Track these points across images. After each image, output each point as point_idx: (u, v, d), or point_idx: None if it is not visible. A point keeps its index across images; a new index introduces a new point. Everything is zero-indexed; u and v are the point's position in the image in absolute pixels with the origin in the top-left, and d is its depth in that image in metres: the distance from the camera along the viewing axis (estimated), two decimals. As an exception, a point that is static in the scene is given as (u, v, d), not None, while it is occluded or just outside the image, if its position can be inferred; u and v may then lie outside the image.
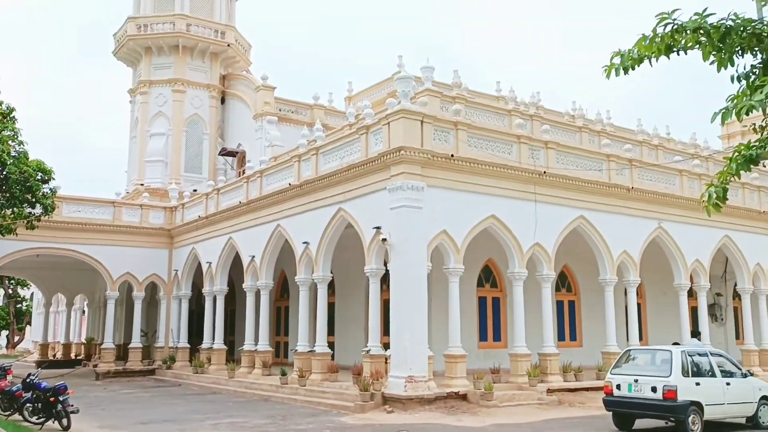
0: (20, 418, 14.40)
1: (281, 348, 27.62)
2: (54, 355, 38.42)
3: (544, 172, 19.22)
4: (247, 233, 23.82)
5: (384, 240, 17.01)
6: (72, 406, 13.88)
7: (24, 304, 56.81)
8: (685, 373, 12.13)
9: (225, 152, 34.43)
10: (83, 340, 38.86)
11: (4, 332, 58.77)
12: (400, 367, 16.32)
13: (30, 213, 21.45)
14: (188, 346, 27.94)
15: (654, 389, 12.10)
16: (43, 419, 13.90)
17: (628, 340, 21.66)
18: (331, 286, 21.72)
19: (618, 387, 12.70)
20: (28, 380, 14.73)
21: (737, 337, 29.25)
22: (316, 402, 17.50)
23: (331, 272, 20.24)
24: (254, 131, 33.17)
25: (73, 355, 37.89)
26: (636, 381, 12.41)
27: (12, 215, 21.10)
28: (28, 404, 14.36)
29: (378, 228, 17.38)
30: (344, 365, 20.37)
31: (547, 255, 19.35)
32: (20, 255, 26.16)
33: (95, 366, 28.85)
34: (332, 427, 13.84)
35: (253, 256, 23.16)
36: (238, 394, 20.80)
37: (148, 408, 17.62)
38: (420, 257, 16.81)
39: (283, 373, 19.94)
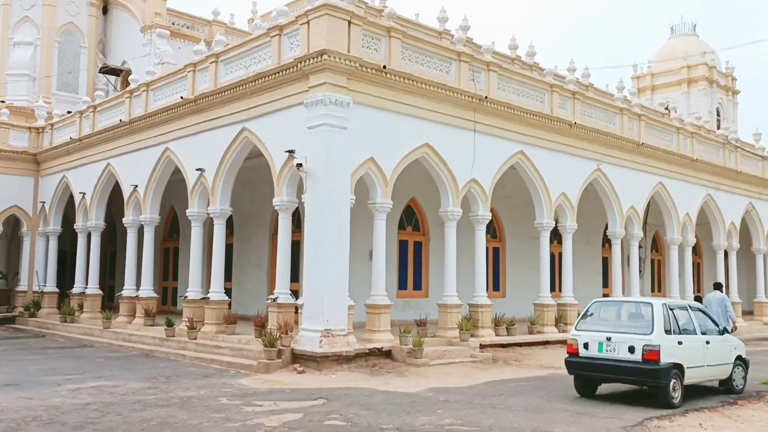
0: None
1: (169, 295, 24.23)
2: None
3: (486, 98, 16.69)
4: (129, 159, 20.05)
5: (299, 166, 13.99)
6: None
7: None
8: (667, 331, 10.06)
9: (107, 69, 29.79)
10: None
11: None
12: (313, 318, 13.57)
13: None
14: (57, 290, 23.95)
15: (631, 349, 9.98)
16: None
17: (560, 291, 19.92)
18: (229, 225, 18.54)
19: (585, 346, 10.51)
20: None
21: (653, 290, 28.52)
22: (209, 359, 14.50)
23: (231, 207, 17.03)
24: (142, 46, 28.77)
25: None
26: (608, 339, 10.25)
27: None
28: None
29: (291, 152, 14.33)
30: (244, 316, 17.40)
31: (484, 193, 16.98)
32: None
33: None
34: (229, 393, 10.96)
35: (136, 186, 19.50)
36: (113, 347, 17.44)
37: (-7, 366, 14.05)
38: (342, 188, 13.95)
39: (170, 324, 16.74)
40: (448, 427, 8.52)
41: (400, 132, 15.11)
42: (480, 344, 15.69)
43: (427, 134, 15.65)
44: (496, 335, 16.73)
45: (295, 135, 14.31)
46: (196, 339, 15.83)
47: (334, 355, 13.25)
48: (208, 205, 16.97)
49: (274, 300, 14.60)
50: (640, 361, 9.88)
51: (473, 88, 16.51)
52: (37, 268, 24.53)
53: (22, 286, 24.98)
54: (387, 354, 14.19)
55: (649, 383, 10.09)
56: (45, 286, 23.92)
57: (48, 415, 9.02)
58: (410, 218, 20.63)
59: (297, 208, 15.14)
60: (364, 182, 14.78)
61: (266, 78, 14.93)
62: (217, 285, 16.60)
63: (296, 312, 14.35)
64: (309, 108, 13.89)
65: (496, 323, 17.01)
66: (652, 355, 9.79)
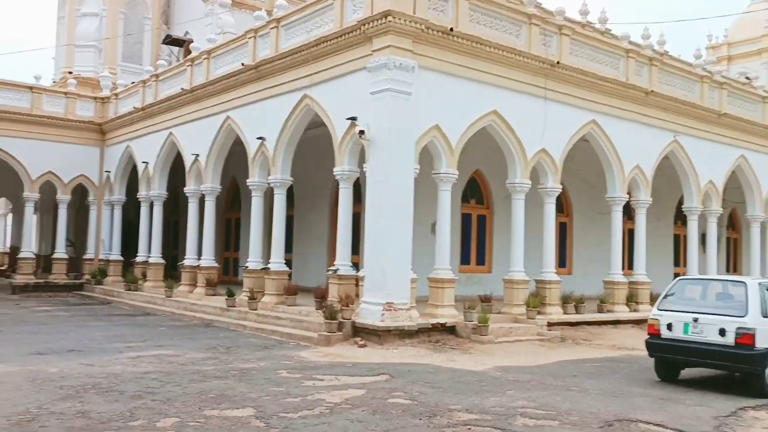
0: None
1: (230, 265, 24.26)
2: (-28, 265, 34.30)
3: (557, 63, 15.74)
4: (191, 128, 19.90)
5: (361, 133, 13.45)
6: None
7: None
8: (763, 313, 9.15)
9: (169, 40, 29.79)
10: (7, 249, 34.73)
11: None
12: (375, 291, 13.10)
13: None
14: (121, 259, 24.27)
15: (722, 332, 9.12)
16: None
17: (631, 268, 18.89)
18: (289, 198, 18.20)
19: (668, 327, 9.69)
20: None
21: (728, 270, 27.00)
22: (269, 330, 14.24)
23: (291, 177, 16.66)
24: (204, 16, 28.60)
25: (-6, 266, 33.87)
26: (695, 320, 9.41)
27: None
28: None
29: (353, 119, 13.78)
30: (304, 287, 17.09)
31: (554, 164, 16.12)
32: None
33: (10, 277, 25.04)
34: (289, 365, 10.61)
35: (197, 155, 19.34)
36: (175, 316, 17.43)
37: (59, 332, 14.13)
38: (406, 157, 13.35)
39: (230, 294, 16.58)
40: (521, 409, 7.91)
41: (466, 98, 14.37)
42: (547, 322, 14.95)
43: (494, 101, 14.86)
44: (564, 313, 15.95)
45: (358, 101, 13.75)
46: (256, 309, 15.61)
47: (396, 330, 12.77)
48: (269, 175, 16.64)
49: (335, 272, 14.19)
50: (732, 345, 9.03)
51: (544, 52, 15.58)
52: (103, 237, 24.90)
53: (89, 254, 25.42)
54: (450, 330, 13.63)
55: (741, 369, 9.23)
56: (110, 254, 24.25)
57: (107, 383, 8.83)
58: (474, 191, 19.89)
59: (357, 179, 14.64)
60: (428, 151, 14.15)
61: (328, 42, 14.38)
62: (277, 256, 16.31)
63: (357, 284, 13.92)
64: (372, 73, 13.29)
65: (564, 301, 16.22)
66: (746, 339, 8.92)
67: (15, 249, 32.12)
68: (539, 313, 15.12)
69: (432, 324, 13.34)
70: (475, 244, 19.80)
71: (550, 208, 16.36)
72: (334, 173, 14.61)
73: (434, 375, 10.06)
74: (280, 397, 8.22)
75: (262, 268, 16.61)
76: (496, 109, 14.87)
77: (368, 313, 13.05)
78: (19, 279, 23.81)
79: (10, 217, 34.73)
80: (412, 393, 8.66)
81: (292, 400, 8.07)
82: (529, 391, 9.01)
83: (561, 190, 16.61)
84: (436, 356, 11.90)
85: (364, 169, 13.75)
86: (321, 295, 14.56)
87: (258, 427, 6.85)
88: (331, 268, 14.44)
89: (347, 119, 13.91)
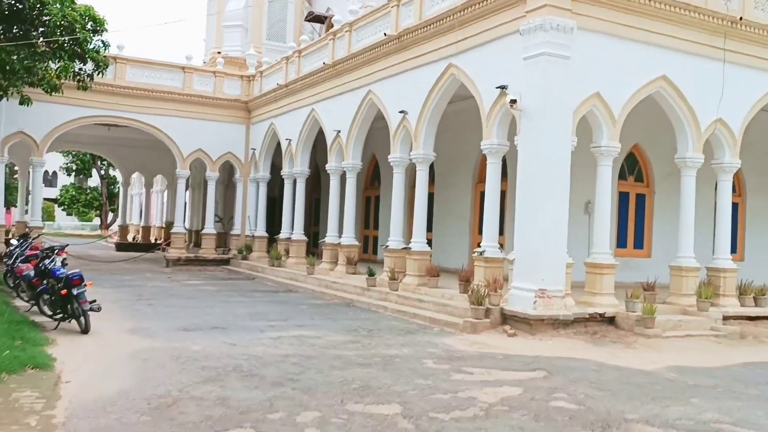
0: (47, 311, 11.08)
1: (369, 243, 23.93)
2: (134, 238, 36.59)
3: (740, 19, 13.68)
4: (332, 103, 19.56)
5: (512, 103, 12.30)
6: (93, 302, 10.45)
7: (117, 185, 55.88)
8: None
9: (312, 17, 29.79)
10: (164, 224, 36.70)
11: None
12: (526, 276, 12.00)
13: (80, 69, 17.83)
14: (266, 235, 24.62)
15: None
16: (60, 316, 10.58)
17: None
18: (429, 174, 17.35)
19: None
20: (41, 265, 11.40)
21: None
22: (411, 313, 13.55)
23: (434, 153, 15.81)
24: (345, -8, 28.25)
25: (153, 239, 35.91)
26: None
27: (58, 70, 17.57)
28: (45, 295, 11.07)
29: (503, 87, 12.66)
30: (445, 268, 16.25)
31: (732, 136, 14.15)
32: (80, 123, 23.07)
33: (162, 250, 26.20)
34: (435, 354, 9.83)
35: (339, 131, 18.96)
36: (316, 294, 17.21)
37: (205, 307, 14.24)
38: (563, 128, 12.07)
39: (371, 274, 16.08)
40: (714, 425, 6.62)
41: (630, 62, 12.79)
42: (722, 315, 13.15)
43: (663, 65, 13.15)
44: (741, 306, 14.02)
45: (508, 68, 12.60)
46: (397, 290, 14.99)
47: (550, 319, 11.62)
48: (411, 150, 15.89)
49: (481, 253, 13.22)
50: None
51: (723, 8, 13.57)
52: (248, 213, 25.39)
53: (236, 230, 26.07)
54: (609, 321, 12.27)
55: None
56: (255, 230, 24.67)
57: (248, 366, 8.46)
58: (632, 167, 18.09)
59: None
60: (585, 123, 12.76)
61: (476, 5, 13.30)
62: (419, 235, 15.59)
63: (502, 265, 12.89)
64: (525, 36, 12.08)
65: (741, 291, 14.26)
66: None
67: (170, 224, 33.86)
68: (712, 304, 13.34)
69: (589, 314, 12.06)
70: (632, 225, 18.04)
71: (726, 187, 14.41)
72: (481, 147, 13.58)
73: (598, 373, 8.88)
74: (428, 392, 7.43)
75: (403, 248, 15.96)
76: (666, 74, 13.16)
77: (518, 299, 11.99)
78: (171, 253, 24.82)
79: (166, 193, 36.64)
80: (576, 395, 7.58)
81: (442, 397, 7.26)
82: (717, 401, 7.64)
83: (739, 166, 14.58)
84: (596, 351, 10.66)
85: (515, 143, 12.62)
86: (465, 278, 13.66)
87: (406, 430, 6.09)
88: (477, 249, 13.47)
89: (497, 88, 12.81)
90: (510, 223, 13.62)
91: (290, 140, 22.14)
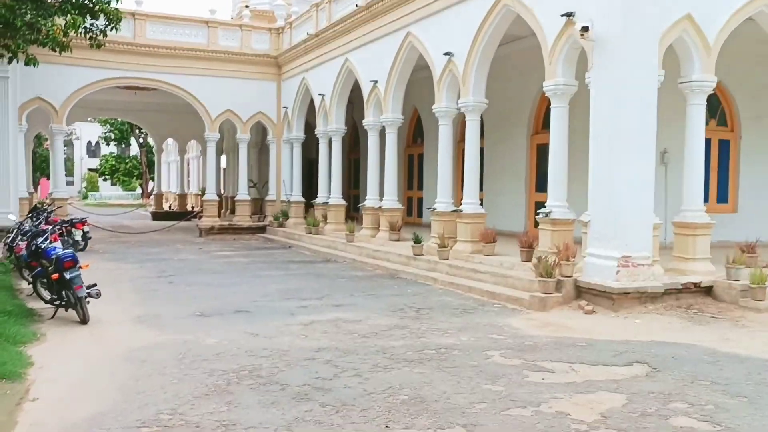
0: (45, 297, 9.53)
1: (414, 206, 22.03)
2: (170, 206, 35.42)
3: None
4: (368, 50, 17.49)
5: (583, 31, 10.10)
6: (93, 287, 8.84)
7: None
8: None
9: (344, -37, 27.46)
10: (198, 191, 35.42)
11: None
12: (606, 240, 9.95)
13: (91, 25, 16.10)
14: (303, 200, 22.89)
15: None
16: (57, 303, 9.00)
17: None
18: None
19: None
20: (32, 244, 9.80)
21: None
22: (465, 286, 11.65)
23: (486, 99, 13.70)
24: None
25: (189, 207, 34.64)
26: None
27: (65, 26, 15.88)
28: (41, 278, 9.51)
29: (570, 15, 10.45)
30: (499, 232, 14.22)
31: None
32: (100, 86, 21.47)
33: (198, 218, 24.77)
34: (500, 342, 7.95)
35: (376, 81, 16.93)
36: (356, 264, 15.44)
37: (232, 284, 12.60)
38: (647, 60, 9.86)
39: (417, 241, 14.20)
40: None
41: (729, -23, 10.41)
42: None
43: (768, -21, 10.72)
44: None
45: (577, -9, 10.36)
46: (447, 259, 13.09)
47: (636, 292, 9.60)
48: (459, 98, 13.80)
49: (547, 215, 11.17)
50: None
51: None
52: (283, 177, 23.69)
53: (271, 195, 24.47)
54: (706, 291, 10.19)
55: None
56: (291, 195, 23.00)
57: (269, 367, 6.70)
58: (713, 110, 15.63)
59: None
60: (673, 52, 10.49)
61: None
62: (470, 195, 13.60)
63: (572, 229, 10.85)
64: (599, -52, 9.81)
65: None
66: None
67: (203, 191, 32.50)
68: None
69: (682, 284, 9.99)
70: (715, 176, 15.68)
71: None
72: (544, 89, 11.42)
73: (716, 367, 6.86)
74: (501, 406, 5.56)
75: (453, 210, 14.02)
76: (771, -10, 10.74)
77: (596, 269, 9.97)
78: (204, 221, 23.36)
79: (201, 159, 35.28)
80: (701, 405, 5.61)
81: (521, 414, 5.37)
82: None
83: None
84: (699, 331, 8.60)
85: (586, 80, 10.45)
86: (527, 244, 11.69)
87: (479, 479, 4.24)
88: (542, 210, 11.42)
89: (562, 16, 10.60)
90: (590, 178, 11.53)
91: (323, 95, 20.20)
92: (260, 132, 26.39)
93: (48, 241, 9.48)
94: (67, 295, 8.74)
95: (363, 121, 17.82)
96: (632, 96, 9.79)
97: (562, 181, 11.30)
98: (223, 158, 31.98)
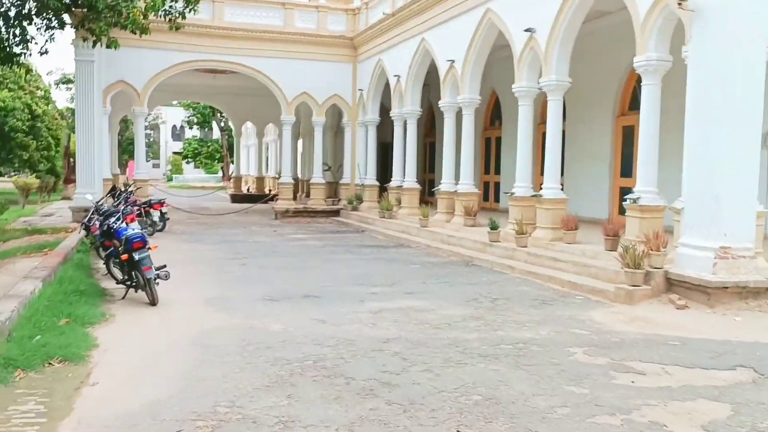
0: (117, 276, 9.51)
1: (489, 190, 21.35)
2: (248, 189, 35.86)
3: None
4: (445, 29, 16.86)
5: (681, 1, 9.20)
6: (162, 268, 8.72)
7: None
8: None
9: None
10: (276, 174, 35.66)
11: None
12: (701, 229, 9.10)
13: (170, 7, 16.18)
14: (377, 183, 22.54)
15: None
16: (128, 284, 8.95)
17: None
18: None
19: None
20: (105, 224, 9.78)
21: None
22: (545, 276, 10.98)
23: (569, 78, 12.87)
24: None
25: (267, 190, 34.97)
26: None
27: (144, 8, 16.00)
28: (114, 258, 9.50)
29: (667, -17, 9.55)
30: (581, 218, 13.40)
31: None
32: (179, 69, 21.66)
33: (274, 201, 24.84)
34: (585, 337, 7.33)
35: (453, 61, 16.30)
36: (430, 250, 14.96)
37: (303, 268, 12.37)
38: (753, 32, 8.88)
39: (494, 227, 13.58)
40: None
41: None
42: None
43: None
44: None
45: (674, -43, 9.44)
46: (525, 246, 12.43)
47: (736, 286, 8.72)
48: (540, 77, 13.03)
49: (635, 201, 10.36)
50: None
51: None
52: (358, 161, 23.41)
53: (346, 178, 24.24)
54: (815, 286, 9.16)
55: None
56: (365, 178, 22.70)
57: (333, 358, 6.35)
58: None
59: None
60: None
61: None
62: (551, 179, 12.86)
63: (662, 216, 9.99)
64: None
65: None
66: None
67: (280, 175, 32.69)
68: None
69: (789, 278, 9.02)
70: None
71: None
72: (634, 65, 10.56)
73: (835, 375, 6.04)
74: (586, 412, 4.98)
75: (532, 195, 13.31)
76: None
77: (689, 260, 9.14)
78: (279, 204, 23.37)
79: (279, 143, 35.51)
80: (822, 422, 4.87)
81: (608, 423, 4.79)
82: None
83: None
84: (811, 333, 7.70)
85: (683, 55, 9.55)
86: (613, 232, 10.91)
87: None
88: (630, 196, 10.60)
89: (657, -14, 9.71)
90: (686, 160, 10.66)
91: (399, 77, 19.72)
92: (336, 115, 26.21)
93: (120, 222, 9.42)
94: (137, 276, 8.66)
95: (439, 102, 17.23)
96: (736, 71, 8.85)
97: (652, 164, 10.45)
98: (300, 142, 32.08)
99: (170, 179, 68.18)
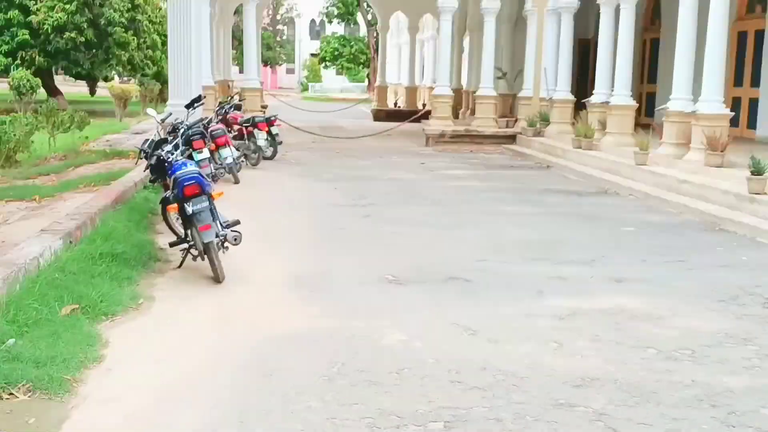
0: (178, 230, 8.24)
1: (742, 111, 18.19)
2: (395, 103, 34.44)
3: None
4: None
5: None
6: (231, 226, 7.24)
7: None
8: None
9: None
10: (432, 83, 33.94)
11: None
12: None
13: None
14: (571, 98, 20.19)
15: None
16: (185, 248, 7.55)
17: None
18: None
19: None
20: (155, 155, 8.27)
21: None
22: None
23: None
24: None
25: (420, 104, 33.33)
26: None
27: None
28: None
29: None
30: None
31: None
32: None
33: (427, 118, 23.22)
34: None
35: None
36: (651, 203, 12.66)
37: (452, 226, 10.55)
38: None
39: (758, 170, 10.95)
40: None
41: None
42: None
43: None
44: None
45: None
46: (814, 206, 9.73)
47: None
48: None
49: None
50: None
51: None
52: (545, 65, 21.04)
53: (526, 90, 22.10)
54: None
55: None
56: (555, 91, 20.38)
57: (482, 419, 4.45)
58: None
59: None
60: None
61: None
62: None
63: None
64: None
65: None
66: None
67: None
68: None
69: None
70: None
71: None
72: None
73: None
74: None
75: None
76: None
77: None
78: (432, 125, 21.71)
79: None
80: None
81: None
82: None
83: None
84: None
85: None
86: None
87: None
88: None
89: None
90: None
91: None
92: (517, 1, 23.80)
93: (177, 151, 7.94)
94: (193, 236, 7.21)
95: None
96: None
97: None
98: (467, 40, 30.08)
99: (305, 88, 68.55)
